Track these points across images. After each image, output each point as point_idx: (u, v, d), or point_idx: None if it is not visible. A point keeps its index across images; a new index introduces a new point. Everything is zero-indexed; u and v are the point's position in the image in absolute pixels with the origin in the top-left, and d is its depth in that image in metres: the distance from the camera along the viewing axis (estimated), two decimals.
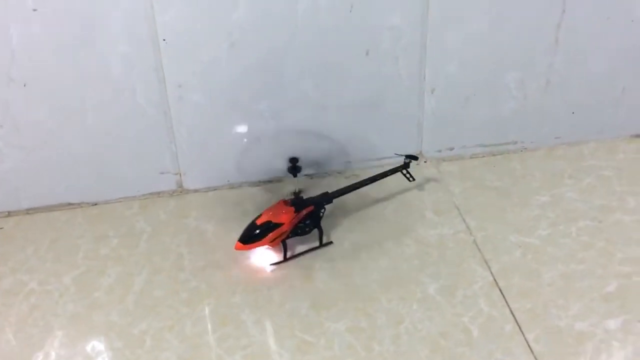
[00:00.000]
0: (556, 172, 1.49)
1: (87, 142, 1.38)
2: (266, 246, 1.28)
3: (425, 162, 1.54)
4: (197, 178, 1.47)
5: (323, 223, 1.33)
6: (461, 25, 1.39)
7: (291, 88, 1.39)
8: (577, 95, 1.51)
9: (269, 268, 1.29)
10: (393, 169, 1.39)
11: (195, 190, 1.48)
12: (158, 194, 1.47)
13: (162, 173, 1.45)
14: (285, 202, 1.30)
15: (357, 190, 1.37)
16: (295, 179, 1.42)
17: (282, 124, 1.43)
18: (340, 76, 1.40)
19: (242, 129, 1.42)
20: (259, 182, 1.50)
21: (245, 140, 1.43)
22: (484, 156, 1.55)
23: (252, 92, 1.38)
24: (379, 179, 1.37)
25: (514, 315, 1.17)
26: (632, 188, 1.44)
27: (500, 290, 1.22)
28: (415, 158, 1.38)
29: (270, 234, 1.25)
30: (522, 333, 1.14)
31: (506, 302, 1.19)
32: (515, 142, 1.55)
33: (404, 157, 1.38)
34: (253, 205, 1.43)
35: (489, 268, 1.26)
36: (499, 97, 1.48)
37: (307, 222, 1.31)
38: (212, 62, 1.34)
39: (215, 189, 1.49)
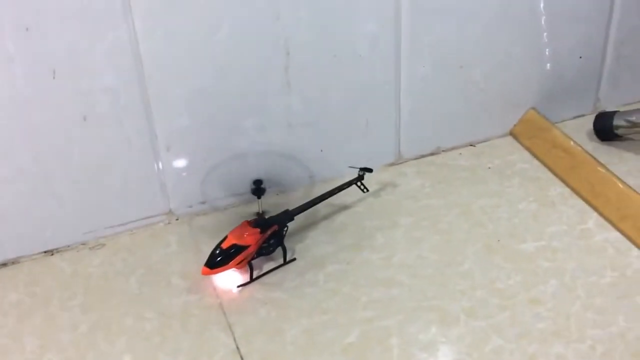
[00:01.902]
0: (309, 213, 1.45)
1: None
2: (233, 269, 1.27)
3: (177, 220, 1.46)
4: None
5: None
6: (183, 79, 1.32)
7: (5, 165, 1.28)
8: (322, 133, 1.49)
9: (236, 290, 1.29)
10: (348, 181, 1.41)
11: None
12: None
13: None
14: (249, 222, 1.28)
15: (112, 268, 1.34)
16: (259, 200, 1.42)
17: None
18: (61, 146, 1.30)
19: None
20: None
21: None
22: (238, 205, 1.50)
23: None
24: (337, 192, 1.40)
25: None
26: (381, 222, 1.43)
27: (242, 358, 1.16)
28: (369, 170, 1.42)
29: (237, 257, 1.24)
30: None
31: None
32: (270, 186, 1.50)
33: (358, 170, 1.42)
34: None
35: (233, 334, 1.21)
36: (241, 144, 1.43)
37: (271, 241, 1.30)
38: None
39: None
